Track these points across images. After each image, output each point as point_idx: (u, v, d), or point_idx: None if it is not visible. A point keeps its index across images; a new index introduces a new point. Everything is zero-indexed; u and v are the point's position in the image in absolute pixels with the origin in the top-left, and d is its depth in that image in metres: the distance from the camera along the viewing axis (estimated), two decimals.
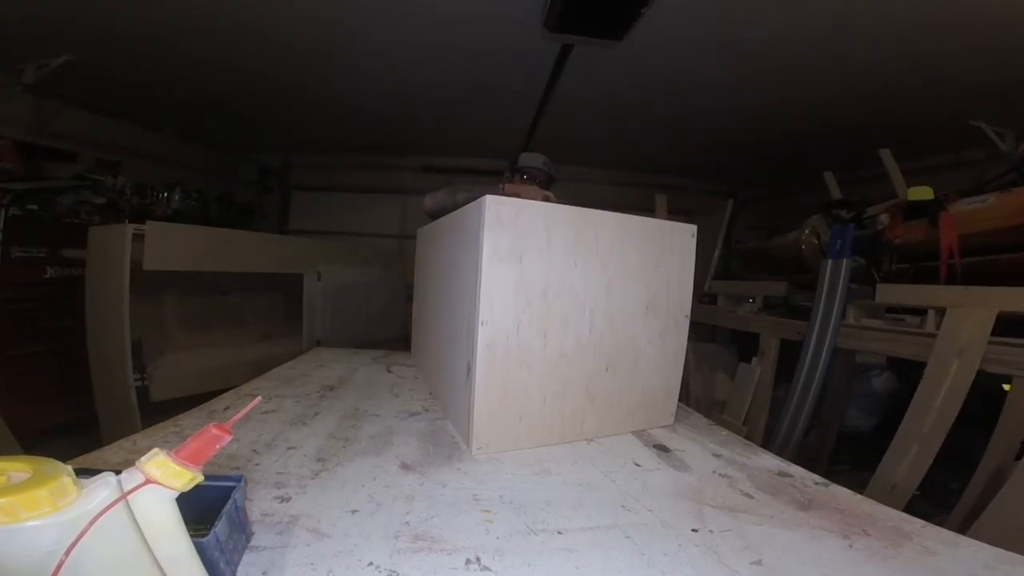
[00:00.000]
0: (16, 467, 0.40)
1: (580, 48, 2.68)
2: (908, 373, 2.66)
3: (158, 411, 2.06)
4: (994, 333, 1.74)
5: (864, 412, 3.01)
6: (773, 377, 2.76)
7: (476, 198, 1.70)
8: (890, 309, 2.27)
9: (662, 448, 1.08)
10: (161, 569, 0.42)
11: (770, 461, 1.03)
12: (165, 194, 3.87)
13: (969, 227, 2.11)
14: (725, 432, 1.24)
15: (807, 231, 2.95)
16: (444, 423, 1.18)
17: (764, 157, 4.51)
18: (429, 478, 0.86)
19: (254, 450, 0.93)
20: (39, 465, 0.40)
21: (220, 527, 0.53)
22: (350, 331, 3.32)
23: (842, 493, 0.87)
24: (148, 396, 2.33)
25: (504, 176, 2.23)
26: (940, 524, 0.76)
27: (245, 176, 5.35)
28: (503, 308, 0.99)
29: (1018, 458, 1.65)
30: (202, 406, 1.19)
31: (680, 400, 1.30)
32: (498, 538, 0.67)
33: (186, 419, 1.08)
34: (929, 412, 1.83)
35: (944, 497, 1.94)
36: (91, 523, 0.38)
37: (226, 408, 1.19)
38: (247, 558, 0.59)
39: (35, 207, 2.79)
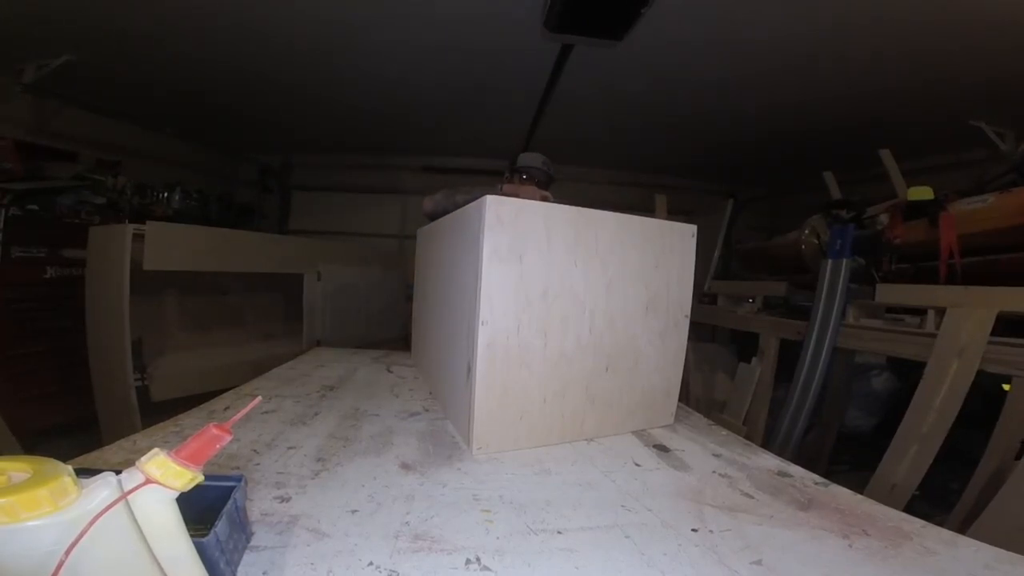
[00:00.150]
0: (16, 467, 0.40)
1: (580, 48, 2.68)
2: (908, 373, 2.66)
3: (158, 411, 2.06)
4: (994, 333, 1.74)
5: (864, 412, 3.01)
6: (773, 377, 2.76)
7: (475, 199, 1.71)
8: (890, 309, 2.27)
9: (662, 448, 1.08)
10: (161, 569, 0.42)
11: (770, 461, 1.04)
12: (165, 194, 3.87)
13: (969, 227, 2.11)
14: (725, 432, 1.24)
15: (807, 231, 2.95)
16: (444, 423, 1.18)
17: (764, 157, 4.51)
18: (429, 478, 0.86)
19: (254, 450, 0.93)
20: (39, 465, 0.40)
21: (220, 527, 0.53)
22: (350, 331, 3.32)
23: (842, 493, 0.87)
24: (148, 396, 2.33)
25: (504, 176, 2.24)
26: (940, 524, 0.76)
27: (245, 176, 5.35)
28: (503, 308, 0.99)
29: (1018, 458, 1.65)
30: (202, 406, 1.19)
31: (680, 400, 1.30)
32: (498, 538, 0.67)
33: (186, 419, 1.08)
34: (929, 412, 1.83)
35: (944, 497, 1.94)
36: (91, 523, 0.38)
37: (226, 408, 1.19)
38: (247, 558, 0.59)
39: (35, 207, 2.79)
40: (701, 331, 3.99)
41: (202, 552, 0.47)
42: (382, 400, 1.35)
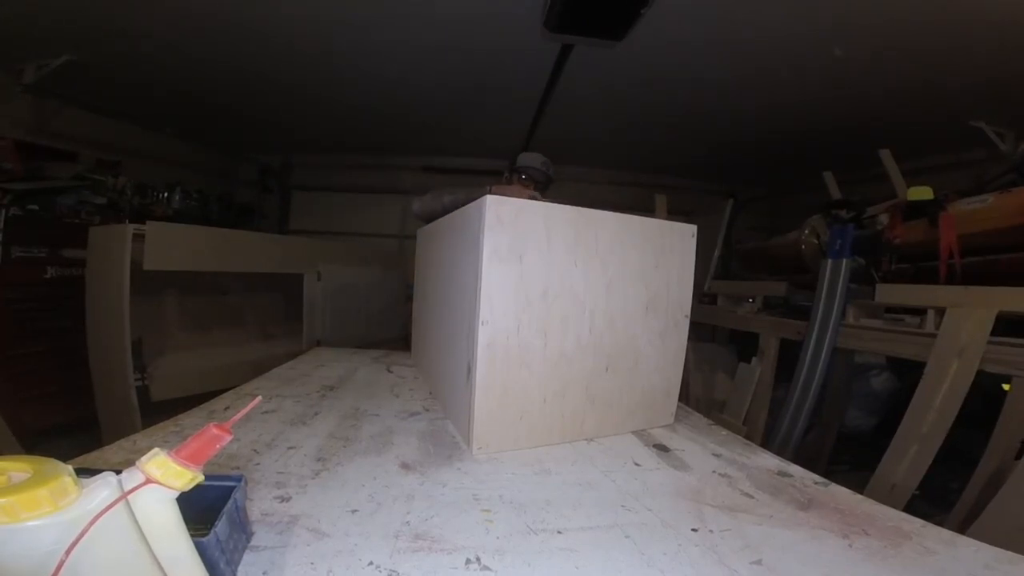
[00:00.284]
0: (17, 467, 0.40)
1: (580, 48, 2.68)
2: (908, 373, 2.66)
3: (158, 411, 2.06)
4: (994, 333, 1.74)
5: (864, 412, 3.01)
6: (773, 377, 2.76)
7: (460, 201, 1.74)
8: (890, 309, 2.27)
9: (662, 448, 1.09)
10: (161, 569, 0.42)
11: (770, 461, 1.04)
12: (165, 194, 3.88)
13: (969, 227, 2.11)
14: (725, 432, 1.24)
15: (807, 231, 2.95)
16: (444, 423, 1.18)
17: (764, 157, 4.51)
18: (429, 478, 0.86)
19: (254, 450, 0.93)
20: (39, 465, 0.40)
21: (220, 527, 0.53)
22: (350, 331, 3.32)
23: (842, 493, 0.87)
24: (148, 396, 2.33)
25: (504, 176, 2.24)
26: (940, 524, 0.76)
27: (245, 176, 5.35)
28: (503, 308, 0.99)
29: (1018, 458, 1.65)
30: (202, 406, 1.19)
31: (680, 400, 1.30)
32: (498, 538, 0.67)
33: (186, 419, 1.08)
34: (929, 412, 1.83)
35: (944, 497, 1.94)
36: (91, 523, 0.38)
37: (226, 408, 1.19)
38: (247, 558, 0.59)
39: (35, 207, 2.79)
40: (701, 331, 3.99)
41: (202, 552, 0.47)
42: (382, 400, 1.35)
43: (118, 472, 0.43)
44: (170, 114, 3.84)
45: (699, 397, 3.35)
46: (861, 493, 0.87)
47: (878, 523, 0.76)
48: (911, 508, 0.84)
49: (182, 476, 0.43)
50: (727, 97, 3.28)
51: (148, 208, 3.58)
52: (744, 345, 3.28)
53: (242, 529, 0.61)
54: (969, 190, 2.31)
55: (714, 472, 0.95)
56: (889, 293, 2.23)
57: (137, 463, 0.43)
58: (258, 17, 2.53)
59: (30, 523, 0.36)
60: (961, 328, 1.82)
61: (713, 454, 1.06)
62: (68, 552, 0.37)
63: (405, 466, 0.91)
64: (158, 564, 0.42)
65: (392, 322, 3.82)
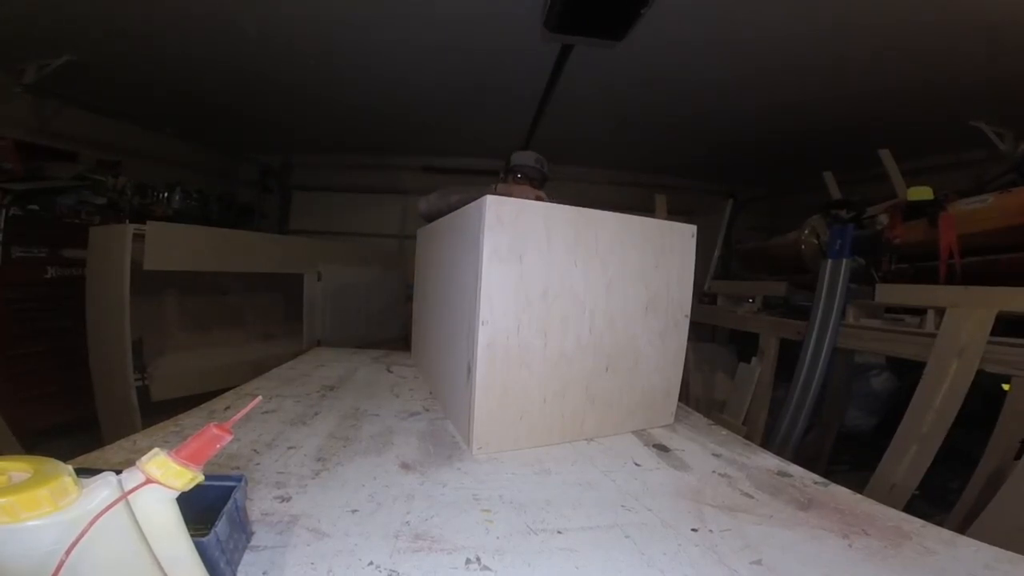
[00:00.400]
0: (17, 467, 0.40)
1: (580, 48, 2.68)
2: (908, 373, 2.66)
3: (158, 411, 2.06)
4: (994, 333, 1.74)
5: (864, 412, 3.01)
6: (773, 377, 2.76)
7: (469, 200, 1.74)
8: (889, 309, 2.27)
9: (662, 448, 1.09)
10: (162, 569, 0.43)
11: (770, 461, 1.04)
12: (165, 194, 3.88)
13: (969, 227, 2.11)
14: (725, 432, 1.24)
15: (807, 231, 2.95)
16: (444, 423, 1.18)
17: (764, 157, 4.51)
18: (429, 478, 0.86)
19: (254, 450, 0.93)
20: (40, 465, 0.40)
21: (220, 527, 0.53)
22: (350, 331, 3.32)
23: (841, 493, 0.87)
24: (148, 396, 2.33)
25: (499, 176, 2.25)
26: (939, 524, 0.76)
27: (246, 176, 5.36)
28: (503, 308, 0.99)
29: (1017, 458, 1.65)
30: (202, 406, 1.19)
31: (680, 400, 1.30)
32: (498, 538, 0.67)
33: (186, 419, 1.08)
34: (928, 412, 1.83)
35: (943, 497, 1.94)
36: (92, 523, 0.38)
37: (226, 408, 1.19)
38: (247, 558, 0.59)
39: (36, 207, 2.79)
40: (701, 331, 3.99)
41: (202, 552, 0.47)
42: (382, 400, 1.35)
43: (118, 472, 0.43)
44: (170, 114, 3.84)
45: (699, 397, 3.35)
46: (861, 493, 0.87)
47: (878, 523, 0.76)
48: (911, 508, 0.84)
49: (182, 476, 0.43)
50: (727, 97, 3.28)
51: (148, 208, 3.58)
52: (744, 345, 3.28)
53: (242, 529, 0.61)
54: (969, 190, 2.31)
55: (714, 472, 0.95)
56: (889, 293, 2.23)
57: (137, 463, 0.43)
58: (258, 17, 2.53)
59: (30, 523, 0.36)
60: (961, 328, 1.82)
61: (713, 454, 1.06)
62: (68, 552, 0.37)
63: (405, 466, 0.91)
64: (158, 564, 0.42)
65: (392, 322, 3.82)
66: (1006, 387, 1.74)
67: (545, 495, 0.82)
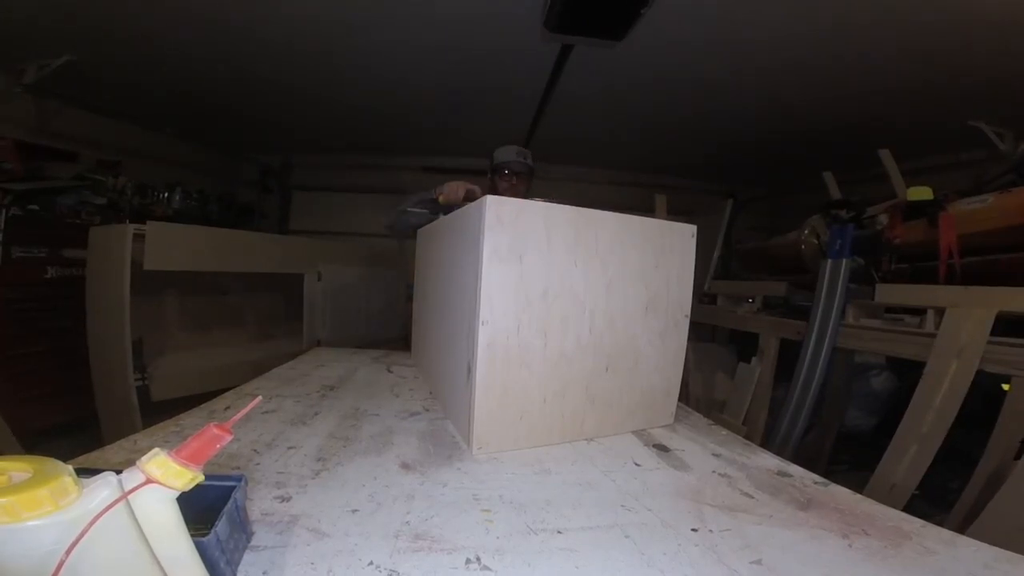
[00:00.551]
0: (17, 467, 0.40)
1: (580, 48, 2.68)
2: (907, 373, 2.66)
3: (158, 411, 2.06)
4: (993, 333, 1.74)
5: (864, 412, 3.01)
6: (773, 377, 2.77)
7: (418, 201, 1.79)
8: (889, 309, 2.27)
9: (662, 448, 1.09)
10: (162, 569, 0.43)
11: (769, 461, 1.04)
12: (166, 194, 3.87)
13: (968, 227, 2.11)
14: (725, 432, 1.24)
15: (807, 231, 2.96)
16: (444, 423, 1.18)
17: (764, 157, 4.51)
18: (429, 478, 0.86)
19: (254, 450, 0.93)
20: (40, 465, 0.40)
21: (221, 527, 0.53)
22: (350, 331, 3.33)
23: (841, 493, 0.87)
24: (148, 396, 2.34)
25: (488, 176, 2.27)
26: (939, 524, 0.76)
27: (246, 176, 5.35)
28: (503, 308, 0.99)
29: (1017, 458, 1.66)
30: (202, 406, 1.19)
31: (680, 400, 1.30)
32: (498, 538, 0.67)
33: (186, 419, 1.08)
34: (928, 412, 1.83)
35: (943, 497, 1.94)
36: (92, 523, 0.38)
37: (226, 408, 1.19)
38: (247, 558, 0.59)
39: (36, 207, 2.79)
40: (701, 331, 3.99)
41: (202, 552, 0.47)
42: (382, 400, 1.35)
43: (118, 472, 0.43)
44: (170, 114, 3.84)
45: (699, 397, 3.35)
46: (861, 493, 0.86)
47: (878, 523, 0.76)
48: (911, 508, 0.83)
49: (182, 476, 0.43)
50: (727, 97, 3.28)
51: (148, 208, 3.58)
52: (744, 345, 3.28)
53: (242, 529, 0.61)
54: (969, 190, 2.32)
55: (714, 472, 0.95)
56: (889, 293, 2.23)
57: (137, 463, 0.43)
58: (258, 17, 2.53)
59: (31, 523, 0.36)
60: (961, 328, 1.82)
61: (713, 454, 1.06)
62: (68, 552, 0.37)
63: (405, 466, 0.91)
64: (158, 564, 0.42)
65: (392, 322, 3.82)
66: (1006, 387, 1.75)
67: (545, 495, 0.82)
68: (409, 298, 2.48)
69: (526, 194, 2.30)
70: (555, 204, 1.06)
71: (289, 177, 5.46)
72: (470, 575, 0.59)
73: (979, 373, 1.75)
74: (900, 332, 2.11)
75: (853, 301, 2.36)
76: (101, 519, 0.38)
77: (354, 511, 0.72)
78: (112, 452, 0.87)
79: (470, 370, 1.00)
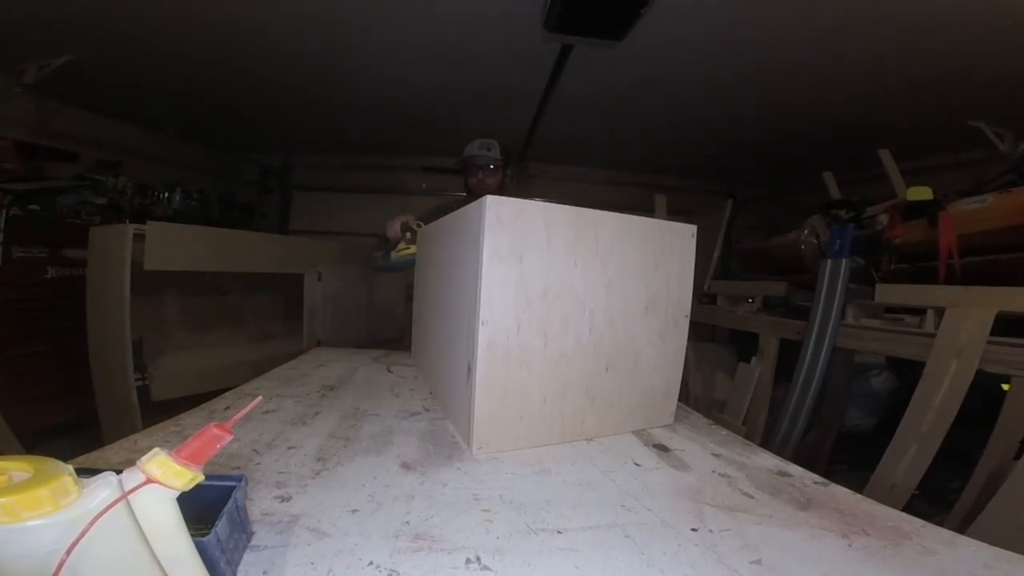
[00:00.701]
0: (17, 466, 0.40)
1: (580, 48, 2.68)
2: (907, 373, 2.67)
3: (159, 411, 2.06)
4: (993, 333, 1.74)
5: (864, 412, 3.01)
6: (773, 377, 2.77)
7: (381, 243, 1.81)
8: (889, 309, 2.27)
9: (662, 448, 1.09)
10: (162, 568, 0.43)
11: (769, 461, 1.04)
12: (166, 194, 3.88)
13: (968, 227, 2.11)
14: (725, 432, 1.24)
15: (806, 231, 2.96)
16: (444, 423, 1.18)
17: (764, 157, 4.51)
18: (429, 478, 0.86)
19: (254, 450, 0.93)
20: (40, 464, 0.40)
21: (221, 526, 0.53)
22: (350, 331, 3.33)
23: (841, 493, 0.87)
24: (149, 396, 2.34)
25: (465, 179, 2.29)
26: (939, 524, 0.76)
27: (246, 176, 5.35)
28: (503, 308, 0.99)
29: (1017, 457, 1.66)
30: (203, 406, 1.19)
31: (680, 400, 1.30)
32: (498, 537, 0.67)
33: (187, 419, 1.08)
34: (928, 412, 1.83)
35: (943, 497, 1.94)
36: (92, 522, 0.38)
37: (227, 408, 1.19)
38: (248, 557, 0.59)
39: (36, 207, 2.80)
40: (701, 331, 3.99)
41: (203, 552, 0.47)
42: (382, 400, 1.35)
43: (119, 472, 0.43)
44: (170, 114, 3.84)
45: (699, 397, 3.35)
46: (861, 493, 0.86)
47: (878, 523, 0.76)
48: (911, 508, 0.83)
49: (182, 476, 0.43)
50: (727, 97, 3.29)
51: (148, 208, 3.59)
52: (744, 345, 3.29)
53: (242, 529, 0.61)
54: (969, 190, 2.32)
55: (714, 472, 0.95)
56: (889, 293, 2.23)
57: (137, 463, 0.43)
58: (258, 18, 2.54)
59: (31, 523, 0.36)
60: (960, 328, 1.82)
61: (713, 454, 1.06)
62: (69, 551, 0.37)
63: (405, 466, 0.91)
64: (158, 564, 0.42)
65: (392, 322, 3.82)
66: (1006, 387, 1.75)
67: (545, 495, 0.82)
68: (409, 298, 2.48)
69: (498, 187, 2.32)
70: (555, 204, 1.06)
71: (289, 177, 5.46)
72: (470, 575, 0.59)
73: (979, 373, 1.75)
74: (900, 332, 2.11)
75: (853, 301, 2.36)
76: (101, 519, 0.38)
77: (354, 511, 0.72)
78: (112, 452, 0.87)
79: (470, 370, 1.00)
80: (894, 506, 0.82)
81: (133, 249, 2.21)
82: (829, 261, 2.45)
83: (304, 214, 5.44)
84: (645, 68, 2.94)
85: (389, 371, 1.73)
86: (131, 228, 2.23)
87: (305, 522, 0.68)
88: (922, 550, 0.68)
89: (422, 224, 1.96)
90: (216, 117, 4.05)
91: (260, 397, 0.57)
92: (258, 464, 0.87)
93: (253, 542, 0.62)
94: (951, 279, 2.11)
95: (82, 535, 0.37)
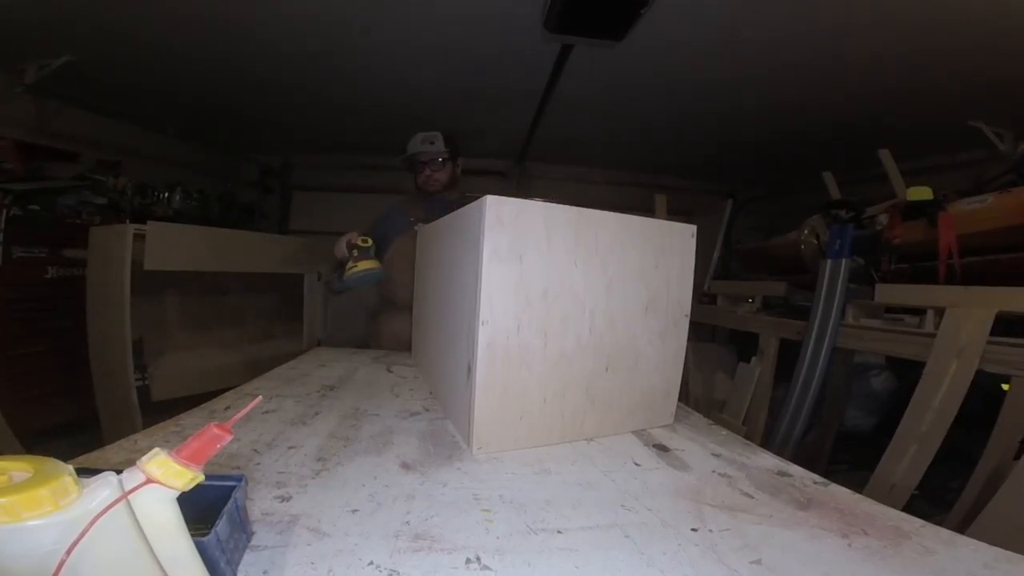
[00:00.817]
0: (18, 466, 0.40)
1: (580, 48, 2.68)
2: (907, 373, 2.67)
3: (159, 411, 2.06)
4: (993, 333, 1.74)
5: (863, 412, 3.01)
6: (772, 377, 2.77)
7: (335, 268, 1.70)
8: (889, 309, 2.27)
9: (662, 448, 1.09)
10: (162, 568, 0.43)
11: (769, 461, 1.03)
12: (166, 194, 3.88)
13: (968, 227, 2.11)
14: (725, 432, 1.24)
15: (806, 231, 2.96)
16: (444, 423, 1.18)
17: (764, 157, 4.51)
18: (429, 477, 0.86)
19: (255, 449, 0.93)
20: (40, 464, 0.40)
21: (221, 526, 0.53)
22: (350, 331, 3.32)
23: (841, 492, 0.87)
24: (149, 396, 2.34)
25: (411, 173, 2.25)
26: (939, 523, 0.76)
27: (246, 176, 5.35)
28: (503, 308, 0.99)
29: (1017, 457, 1.66)
30: (203, 406, 1.19)
31: (680, 400, 1.30)
32: (498, 537, 0.67)
33: (187, 419, 1.08)
34: (928, 412, 1.84)
35: (943, 496, 1.94)
36: (92, 522, 0.38)
37: (227, 408, 1.19)
38: (248, 557, 0.59)
39: (36, 207, 2.80)
40: (701, 331, 4.00)
41: (203, 551, 0.47)
42: (382, 400, 1.35)
43: (119, 472, 0.43)
44: (170, 114, 3.84)
45: (699, 397, 3.35)
46: (861, 493, 0.86)
47: (878, 523, 0.76)
48: (910, 508, 0.83)
49: (183, 476, 0.43)
50: (727, 97, 3.29)
51: (149, 208, 3.59)
52: (744, 345, 3.29)
53: (242, 529, 0.61)
54: (968, 190, 2.32)
55: (714, 472, 0.95)
56: (889, 293, 2.23)
57: (138, 463, 0.43)
58: (258, 17, 2.54)
59: (31, 523, 0.36)
60: (960, 328, 1.82)
61: (713, 454, 1.06)
62: (69, 551, 0.37)
63: (405, 466, 0.91)
64: (158, 564, 0.42)
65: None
66: (1006, 387, 1.75)
67: (545, 495, 0.82)
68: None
69: (450, 181, 2.31)
70: (555, 204, 1.06)
71: (289, 177, 5.45)
72: (470, 575, 0.59)
73: (979, 373, 1.75)
74: (900, 332, 2.11)
75: (853, 301, 2.36)
76: (101, 519, 0.38)
77: (354, 511, 0.72)
78: (112, 452, 0.87)
79: (470, 370, 1.00)
80: (894, 506, 0.82)
81: (133, 249, 2.21)
82: (829, 261, 2.45)
83: (304, 214, 5.44)
84: (645, 68, 2.94)
85: (389, 371, 1.73)
86: (131, 228, 2.23)
87: (305, 522, 0.68)
88: (922, 550, 0.68)
89: (368, 239, 1.96)
90: (216, 117, 4.06)
91: (260, 397, 0.57)
92: (258, 464, 0.87)
93: (253, 542, 0.62)
94: (951, 279, 2.11)
95: (82, 535, 0.37)
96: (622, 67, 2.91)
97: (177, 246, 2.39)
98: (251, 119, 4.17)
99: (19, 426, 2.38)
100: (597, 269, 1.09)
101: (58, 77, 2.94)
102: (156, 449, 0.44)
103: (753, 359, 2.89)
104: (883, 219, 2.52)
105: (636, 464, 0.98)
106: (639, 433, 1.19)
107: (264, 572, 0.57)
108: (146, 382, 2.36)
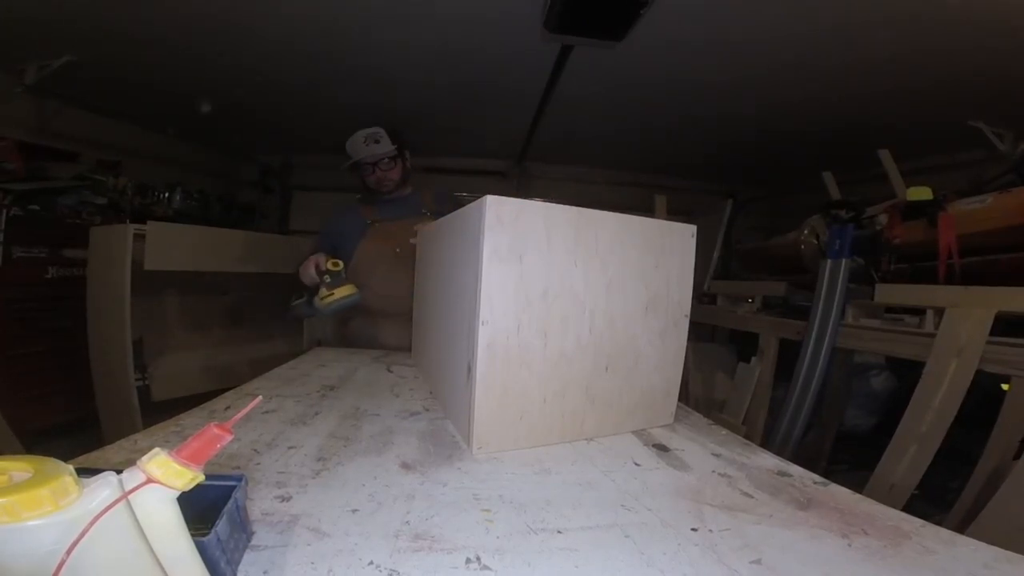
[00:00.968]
0: (18, 466, 0.40)
1: (580, 48, 2.68)
2: (907, 373, 2.67)
3: (159, 410, 2.06)
4: (993, 333, 1.74)
5: (863, 412, 3.01)
6: (772, 377, 2.77)
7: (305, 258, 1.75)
8: (889, 309, 2.27)
9: (662, 448, 1.09)
10: (162, 568, 0.43)
11: (769, 461, 1.04)
12: (166, 194, 3.88)
13: (968, 227, 2.11)
14: (725, 432, 1.24)
15: (806, 231, 2.96)
16: (444, 423, 1.18)
17: (764, 157, 4.51)
18: (429, 477, 0.86)
19: (255, 449, 0.93)
20: (40, 464, 0.40)
21: (221, 526, 0.53)
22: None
23: (841, 492, 0.87)
24: (149, 395, 2.34)
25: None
26: (939, 523, 0.76)
27: (246, 176, 5.36)
28: (503, 308, 0.99)
29: (1016, 457, 1.66)
30: (203, 406, 1.19)
31: (680, 400, 1.30)
32: (498, 537, 0.67)
33: (187, 419, 1.08)
34: (928, 412, 1.84)
35: (943, 496, 1.94)
36: (92, 522, 0.38)
37: (227, 408, 1.19)
38: (248, 557, 0.59)
39: (36, 207, 2.80)
40: (701, 331, 3.99)
41: (203, 551, 0.47)
42: (382, 400, 1.35)
43: (119, 472, 0.43)
44: (170, 114, 3.84)
45: (699, 397, 3.35)
46: (861, 493, 0.86)
47: (877, 523, 0.76)
48: (910, 508, 0.83)
49: (183, 476, 0.43)
50: (727, 97, 3.29)
51: (149, 208, 3.59)
52: (744, 345, 3.29)
53: (242, 529, 0.61)
54: (968, 190, 2.32)
55: (714, 472, 0.95)
56: (888, 293, 2.23)
57: (138, 463, 0.43)
58: (258, 18, 2.54)
59: (31, 523, 0.36)
60: (960, 328, 1.82)
61: (713, 454, 1.06)
62: (69, 551, 0.37)
63: (405, 466, 0.91)
64: (158, 563, 0.42)
65: None
66: (1006, 387, 1.75)
67: (545, 495, 0.82)
68: None
69: (402, 178, 2.29)
70: (555, 204, 1.06)
71: (289, 177, 5.45)
72: (470, 575, 0.59)
73: (979, 373, 1.75)
74: (900, 332, 2.11)
75: (853, 301, 2.36)
76: (101, 519, 0.38)
77: (354, 511, 0.72)
78: (112, 452, 0.87)
79: (470, 370, 1.00)
80: (894, 506, 0.82)
81: (133, 249, 2.22)
82: (829, 261, 2.46)
83: (304, 214, 5.44)
84: (645, 68, 2.94)
85: (389, 371, 1.73)
86: (131, 228, 2.23)
87: (305, 522, 0.68)
88: (922, 550, 0.68)
89: (339, 263, 1.85)
90: (216, 117, 4.05)
91: (260, 397, 0.57)
92: (258, 464, 0.87)
93: (253, 542, 0.62)
94: (951, 279, 2.11)
95: (82, 535, 0.37)
96: (622, 67, 2.91)
97: (177, 246, 2.40)
98: (251, 119, 4.17)
99: (19, 426, 2.38)
100: (597, 269, 1.09)
101: (58, 77, 2.94)
102: (156, 449, 0.44)
103: (753, 359, 2.89)
104: (883, 219, 2.52)
105: (636, 464, 0.98)
106: (639, 433, 1.19)
107: (264, 572, 0.57)
108: (146, 382, 2.36)
